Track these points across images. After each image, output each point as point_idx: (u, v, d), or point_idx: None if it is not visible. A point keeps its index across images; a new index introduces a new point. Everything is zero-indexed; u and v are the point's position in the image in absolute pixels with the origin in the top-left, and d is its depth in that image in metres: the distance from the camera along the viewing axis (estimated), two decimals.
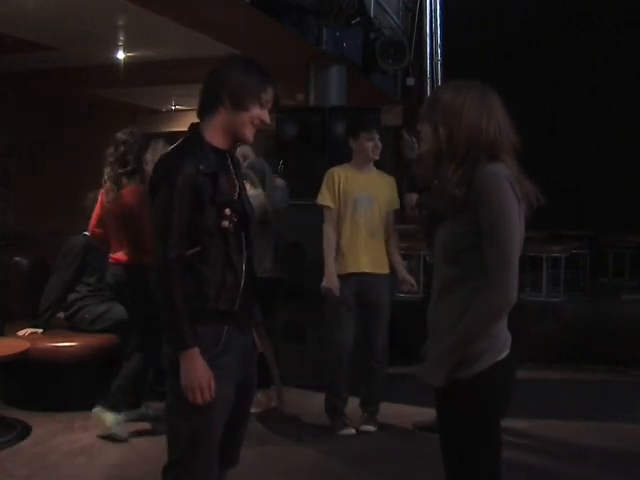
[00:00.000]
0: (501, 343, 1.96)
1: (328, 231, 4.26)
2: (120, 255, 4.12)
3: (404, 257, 7.93)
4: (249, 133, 2.18)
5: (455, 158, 1.92)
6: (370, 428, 4.35)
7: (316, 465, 3.89)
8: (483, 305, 1.88)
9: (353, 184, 4.29)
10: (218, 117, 2.15)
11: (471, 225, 1.90)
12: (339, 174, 4.31)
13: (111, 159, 4.14)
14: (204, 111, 2.18)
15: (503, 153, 1.94)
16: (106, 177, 4.16)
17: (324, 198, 4.30)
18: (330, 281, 4.20)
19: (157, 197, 2.08)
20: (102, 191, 4.23)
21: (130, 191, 4.08)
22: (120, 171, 4.10)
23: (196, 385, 2.03)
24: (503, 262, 1.85)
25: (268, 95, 2.17)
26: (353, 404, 4.47)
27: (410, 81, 8.69)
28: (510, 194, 1.87)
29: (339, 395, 4.35)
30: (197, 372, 2.04)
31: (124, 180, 4.10)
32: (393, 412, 4.59)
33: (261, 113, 2.17)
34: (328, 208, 4.28)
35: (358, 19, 5.72)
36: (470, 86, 1.99)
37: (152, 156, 4.15)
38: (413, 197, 4.40)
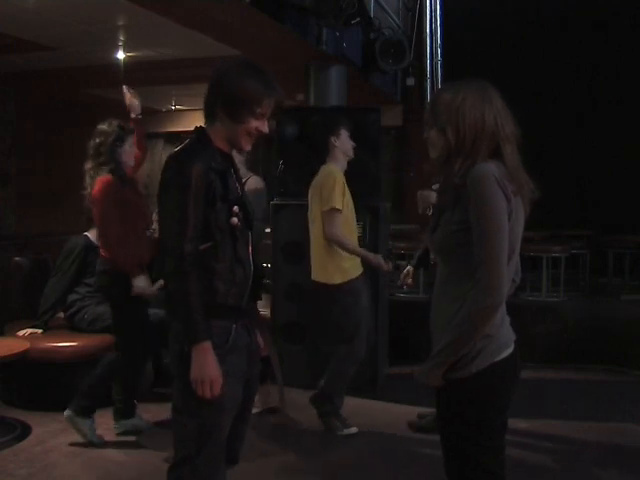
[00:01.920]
0: (500, 343, 1.96)
1: (341, 233, 4.11)
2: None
3: (404, 257, 7.95)
4: (245, 143, 2.23)
5: (463, 152, 1.95)
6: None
7: (316, 465, 3.89)
8: (472, 305, 1.88)
9: (347, 190, 4.24)
10: (217, 126, 2.21)
11: (462, 224, 1.92)
12: (343, 179, 4.20)
13: (90, 152, 4.05)
14: (206, 119, 2.24)
15: (504, 143, 1.96)
16: (85, 170, 4.06)
17: (338, 201, 4.10)
18: (374, 257, 4.16)
19: (171, 192, 2.11)
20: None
21: (97, 182, 3.96)
22: (93, 163, 4.00)
23: (207, 379, 2.05)
24: (489, 262, 1.86)
25: (264, 107, 2.18)
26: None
27: (410, 81, 8.69)
28: (497, 194, 1.88)
29: (342, 398, 4.36)
30: (209, 366, 2.06)
31: (92, 174, 3.99)
32: (393, 412, 4.59)
33: (257, 124, 2.19)
34: (339, 211, 4.12)
35: (358, 19, 5.71)
36: (468, 83, 2.01)
37: (130, 148, 4.10)
38: (432, 195, 4.17)
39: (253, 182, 4.36)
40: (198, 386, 2.06)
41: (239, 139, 2.21)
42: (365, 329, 4.27)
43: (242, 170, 4.50)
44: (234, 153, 3.44)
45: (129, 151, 4.10)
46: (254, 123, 2.18)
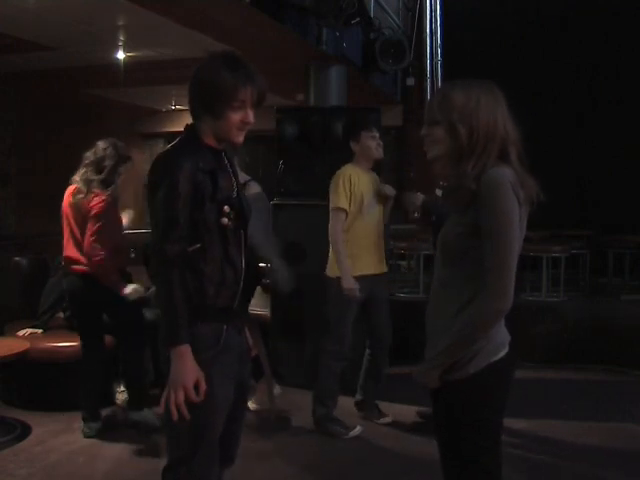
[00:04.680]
0: (497, 343, 1.97)
1: (339, 232, 4.16)
2: (76, 261, 4.13)
3: (404, 257, 7.95)
4: (235, 136, 2.17)
5: (475, 154, 1.94)
6: (388, 419, 4.48)
7: (316, 465, 3.89)
8: (480, 309, 1.88)
9: (363, 186, 4.24)
10: (203, 124, 2.17)
11: (471, 227, 1.92)
12: (353, 175, 4.21)
13: (87, 161, 4.14)
14: (193, 118, 2.21)
15: (511, 146, 1.96)
16: (77, 178, 4.14)
17: (342, 201, 4.15)
18: (351, 282, 4.12)
19: (158, 193, 2.07)
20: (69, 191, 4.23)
21: (98, 198, 4.06)
22: (94, 177, 4.09)
23: (179, 384, 2.00)
24: (501, 267, 1.86)
25: (240, 98, 2.10)
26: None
27: (410, 81, 8.70)
28: (512, 200, 1.88)
29: (335, 400, 4.33)
30: (186, 370, 2.01)
31: (95, 186, 4.08)
32: (393, 412, 4.59)
33: (240, 116, 2.13)
34: (343, 210, 4.16)
35: (358, 19, 5.72)
36: (478, 84, 2.01)
37: (125, 173, 4.22)
38: (419, 197, 4.26)
39: (250, 190, 4.43)
40: (172, 391, 2.01)
41: (227, 134, 2.15)
42: (349, 326, 4.25)
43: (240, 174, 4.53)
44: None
45: (124, 175, 4.22)
46: (235, 116, 2.12)
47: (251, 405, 4.51)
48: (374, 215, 4.31)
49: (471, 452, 1.96)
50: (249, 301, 4.61)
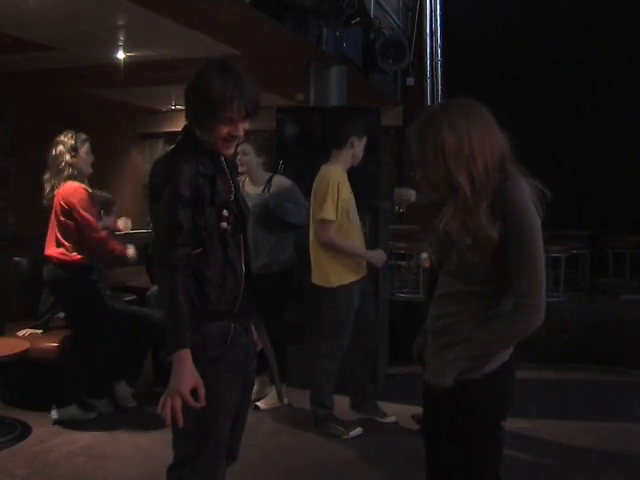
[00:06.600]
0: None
1: (333, 238, 4.12)
2: (54, 252, 4.30)
3: (404, 257, 7.95)
4: (223, 148, 2.16)
5: (479, 196, 1.85)
6: (392, 419, 4.48)
7: (316, 465, 3.89)
8: (513, 323, 1.91)
9: (347, 191, 4.20)
10: (196, 130, 2.16)
11: (494, 248, 1.88)
12: (339, 183, 4.13)
13: (49, 163, 4.31)
14: (187, 122, 2.21)
15: (507, 162, 1.91)
16: (47, 178, 4.31)
17: (331, 213, 4.07)
18: (379, 255, 4.29)
19: (160, 199, 2.07)
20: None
21: (68, 188, 4.24)
22: (54, 175, 4.27)
23: (175, 390, 2.00)
24: (534, 281, 1.90)
25: (227, 113, 2.08)
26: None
27: (410, 81, 8.69)
28: (535, 212, 1.88)
29: (331, 398, 4.33)
30: (184, 376, 2.00)
31: (59, 182, 4.27)
32: (393, 412, 4.59)
33: (229, 129, 2.12)
34: (331, 222, 4.10)
35: (358, 19, 5.71)
36: (460, 112, 1.87)
37: (86, 156, 4.34)
38: (411, 194, 4.07)
39: (277, 181, 4.65)
40: (167, 397, 2.00)
41: (215, 144, 2.14)
42: (349, 331, 4.24)
43: (260, 172, 4.66)
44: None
45: (85, 158, 4.33)
46: (225, 129, 2.11)
47: (262, 404, 4.55)
48: (357, 219, 4.31)
49: (481, 452, 1.96)
50: (281, 315, 4.69)
